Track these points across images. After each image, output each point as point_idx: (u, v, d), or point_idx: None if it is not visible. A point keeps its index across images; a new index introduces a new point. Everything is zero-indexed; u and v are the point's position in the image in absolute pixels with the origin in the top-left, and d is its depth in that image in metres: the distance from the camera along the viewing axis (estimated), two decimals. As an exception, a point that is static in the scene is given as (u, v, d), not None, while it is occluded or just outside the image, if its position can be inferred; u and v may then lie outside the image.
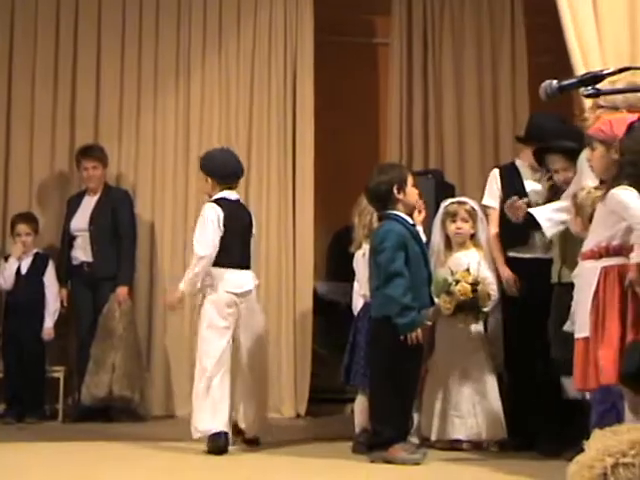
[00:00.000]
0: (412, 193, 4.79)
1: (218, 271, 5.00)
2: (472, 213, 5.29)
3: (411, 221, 4.76)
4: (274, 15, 7.13)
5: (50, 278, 6.50)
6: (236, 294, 5.01)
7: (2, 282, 6.42)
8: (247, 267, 5.18)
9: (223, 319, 4.95)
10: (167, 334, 6.84)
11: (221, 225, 5.01)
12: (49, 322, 6.42)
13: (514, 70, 7.28)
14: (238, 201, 5.30)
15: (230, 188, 5.20)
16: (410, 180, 4.77)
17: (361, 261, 5.12)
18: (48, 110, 6.99)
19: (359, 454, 4.80)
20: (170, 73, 7.08)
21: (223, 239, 5.01)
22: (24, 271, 6.45)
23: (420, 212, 4.96)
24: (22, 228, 6.46)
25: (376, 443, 4.61)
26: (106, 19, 7.08)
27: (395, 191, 4.69)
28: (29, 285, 6.42)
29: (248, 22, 7.12)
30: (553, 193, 4.98)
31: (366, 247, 4.98)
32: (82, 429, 5.94)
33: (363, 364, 4.94)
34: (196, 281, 4.96)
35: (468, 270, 5.00)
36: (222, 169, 5.22)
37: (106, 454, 4.87)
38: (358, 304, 5.22)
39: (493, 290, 5.07)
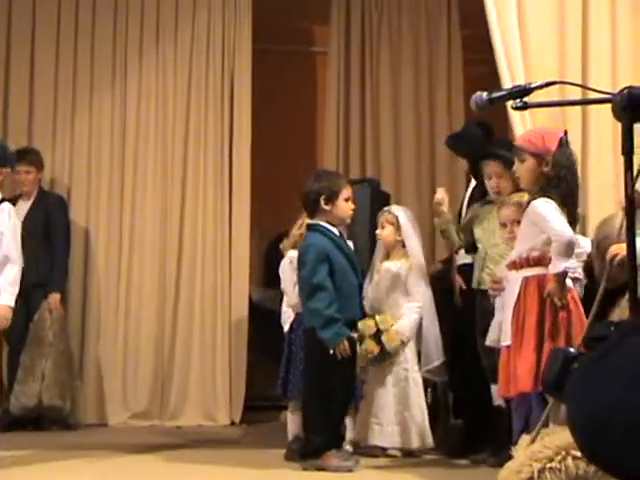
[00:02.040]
0: (343, 207, 4.72)
1: None
2: (393, 220, 5.21)
3: (337, 232, 4.72)
4: (212, 19, 7.06)
5: None
6: None
7: None
8: None
9: None
10: (100, 342, 6.75)
11: None
12: None
13: (450, 81, 7.35)
14: None
15: None
16: (345, 193, 4.71)
17: (287, 268, 5.11)
18: None
19: (292, 461, 4.78)
20: (106, 73, 6.97)
21: None
22: None
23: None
24: None
25: (308, 451, 4.62)
26: (40, 17, 6.94)
27: (322, 201, 4.66)
28: None
29: (186, 24, 7.04)
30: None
31: (293, 255, 4.99)
32: (11, 439, 5.73)
33: (300, 376, 4.91)
34: None
35: (373, 317, 4.99)
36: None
37: (33, 463, 4.78)
38: (287, 315, 5.23)
39: (401, 332, 5.03)
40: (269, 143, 7.26)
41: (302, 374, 4.88)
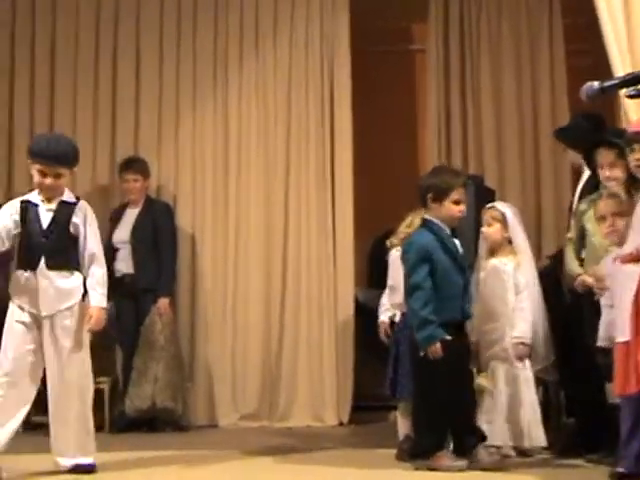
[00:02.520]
0: (450, 208, 4.63)
1: None
2: (499, 217, 5.11)
3: (447, 230, 4.64)
4: (310, 23, 7.09)
5: None
6: None
7: None
8: None
9: None
10: (209, 344, 6.83)
11: None
12: None
13: (553, 73, 7.16)
14: None
15: None
16: (455, 195, 4.61)
17: (398, 263, 4.99)
18: (89, 123, 7.03)
19: (403, 462, 4.75)
20: (208, 82, 7.07)
21: None
22: None
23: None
24: None
25: (418, 451, 4.58)
26: (144, 30, 7.10)
27: (429, 199, 4.62)
28: None
29: (284, 27, 7.10)
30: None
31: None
32: (127, 439, 5.96)
33: (409, 377, 4.84)
34: None
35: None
36: None
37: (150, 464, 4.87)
38: (384, 308, 5.25)
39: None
40: (369, 142, 7.26)
41: (410, 373, 4.83)
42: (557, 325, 5.14)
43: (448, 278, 4.56)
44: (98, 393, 6.30)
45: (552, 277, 5.40)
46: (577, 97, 6.60)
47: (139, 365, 6.33)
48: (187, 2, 7.12)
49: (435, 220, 4.62)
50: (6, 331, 4.52)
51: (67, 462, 4.52)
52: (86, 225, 4.61)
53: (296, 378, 6.80)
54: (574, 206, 5.17)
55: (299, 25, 7.09)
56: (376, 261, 7.29)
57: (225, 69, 7.09)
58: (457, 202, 4.63)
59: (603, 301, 4.26)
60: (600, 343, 4.25)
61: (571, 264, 4.83)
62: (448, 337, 4.53)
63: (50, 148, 4.49)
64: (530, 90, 7.17)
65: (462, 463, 4.49)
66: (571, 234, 4.92)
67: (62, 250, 4.52)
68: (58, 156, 4.49)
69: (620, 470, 3.94)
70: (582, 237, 4.79)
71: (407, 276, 4.59)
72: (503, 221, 5.09)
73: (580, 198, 5.10)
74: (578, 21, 7.00)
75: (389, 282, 5.24)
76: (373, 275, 7.38)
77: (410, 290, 4.55)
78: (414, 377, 4.67)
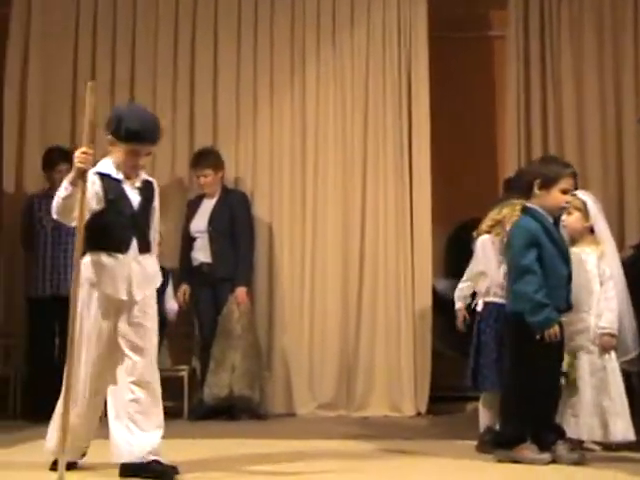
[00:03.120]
0: (556, 197, 4.53)
1: None
2: (580, 206, 4.95)
3: (550, 219, 4.54)
4: (387, 11, 7.08)
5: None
6: None
7: None
8: None
9: None
10: (287, 334, 6.86)
11: None
12: None
13: (637, 63, 7.04)
14: None
15: None
16: (563, 183, 4.51)
17: (490, 248, 4.98)
18: (168, 116, 7.04)
19: (484, 453, 4.68)
20: (285, 71, 7.12)
21: None
22: None
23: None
24: None
25: (501, 441, 4.50)
26: (222, 22, 7.15)
27: (536, 186, 4.52)
28: None
29: (361, 19, 7.11)
30: None
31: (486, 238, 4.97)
32: (205, 427, 5.99)
33: (491, 367, 4.82)
34: None
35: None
36: None
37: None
38: (462, 293, 5.24)
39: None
40: (447, 131, 7.19)
41: (495, 364, 4.78)
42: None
43: (553, 267, 4.47)
44: (177, 381, 6.49)
45: (637, 267, 5.30)
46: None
47: (217, 354, 6.36)
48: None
49: (538, 208, 4.53)
50: (88, 322, 4.13)
51: None
52: (156, 206, 4.38)
53: (373, 368, 6.80)
54: None
55: (376, 13, 7.08)
56: (454, 251, 7.27)
57: (302, 57, 7.11)
58: (565, 191, 4.55)
59: None
60: None
61: None
62: (563, 319, 4.47)
63: (146, 128, 4.17)
64: (613, 75, 7.07)
65: (546, 456, 4.40)
66: None
67: (148, 232, 4.28)
68: (154, 136, 4.23)
69: None
70: None
71: (515, 260, 4.49)
72: (584, 210, 4.96)
73: None
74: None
75: (480, 268, 5.13)
76: (451, 265, 7.33)
77: (519, 273, 4.44)
78: (510, 364, 4.55)
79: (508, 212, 4.90)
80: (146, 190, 4.29)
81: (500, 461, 4.43)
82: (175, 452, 4.29)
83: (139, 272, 4.18)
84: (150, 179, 4.39)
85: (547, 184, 4.50)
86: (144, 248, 4.22)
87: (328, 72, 7.09)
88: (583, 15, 7.13)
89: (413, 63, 7.03)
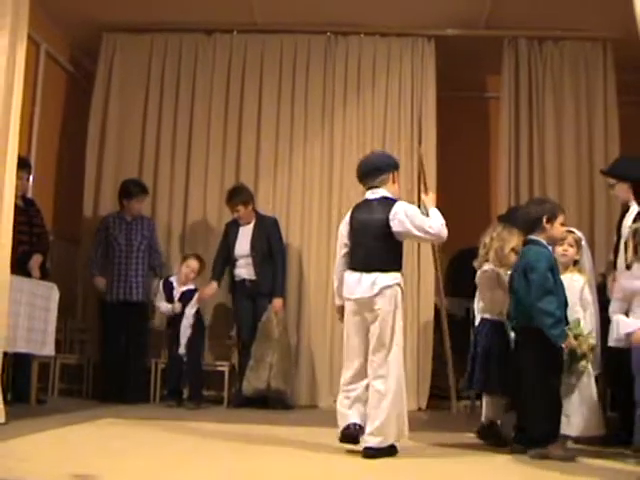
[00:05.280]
0: (559, 230, 4.59)
1: None
2: (578, 241, 5.10)
3: (551, 250, 4.60)
4: (403, 73, 7.26)
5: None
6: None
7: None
8: None
9: None
10: (312, 337, 6.99)
11: None
12: None
13: (606, 120, 7.20)
14: None
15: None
16: (561, 218, 4.59)
17: (489, 276, 4.97)
18: (218, 160, 7.26)
19: (482, 440, 4.75)
20: (316, 122, 7.27)
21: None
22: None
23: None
24: (192, 264, 6.65)
25: (531, 441, 4.35)
26: (266, 82, 7.34)
27: (544, 220, 4.53)
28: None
29: (381, 81, 7.27)
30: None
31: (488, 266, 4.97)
32: (242, 414, 6.10)
33: (481, 371, 4.85)
34: None
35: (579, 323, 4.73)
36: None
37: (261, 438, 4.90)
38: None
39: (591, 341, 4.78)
40: (452, 171, 7.33)
41: (481, 369, 4.80)
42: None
43: (560, 288, 4.46)
44: (219, 375, 6.67)
45: (603, 293, 5.42)
46: (626, 141, 6.70)
47: (257, 354, 6.47)
48: (301, 59, 7.33)
49: (541, 240, 4.55)
50: None
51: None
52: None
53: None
54: (623, 232, 5.12)
55: (393, 76, 7.26)
56: (454, 274, 7.41)
57: (332, 113, 7.27)
58: (563, 224, 4.63)
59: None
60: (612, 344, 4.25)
61: None
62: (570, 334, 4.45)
63: None
64: (587, 134, 7.21)
65: (574, 453, 4.31)
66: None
67: None
68: None
69: None
70: None
71: (539, 282, 4.37)
72: (578, 243, 5.11)
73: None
74: (630, 77, 7.02)
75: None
76: (450, 285, 7.49)
77: (543, 293, 4.34)
78: (534, 373, 4.38)
79: (499, 244, 4.95)
80: None
81: (532, 458, 4.26)
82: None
83: None
84: None
85: (552, 218, 4.54)
86: None
87: (352, 125, 7.24)
88: (563, 81, 7.28)
89: (423, 119, 7.19)
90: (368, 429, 4.24)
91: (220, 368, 6.74)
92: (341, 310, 4.56)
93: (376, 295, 4.28)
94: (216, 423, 5.46)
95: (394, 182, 4.54)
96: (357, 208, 4.56)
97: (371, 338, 4.31)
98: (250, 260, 6.73)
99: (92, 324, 7.02)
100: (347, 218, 4.57)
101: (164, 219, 7.23)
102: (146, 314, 6.84)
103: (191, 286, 6.67)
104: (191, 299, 6.59)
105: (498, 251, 4.97)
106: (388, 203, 4.39)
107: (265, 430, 5.18)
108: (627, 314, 4.39)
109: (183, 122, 7.33)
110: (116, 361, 6.57)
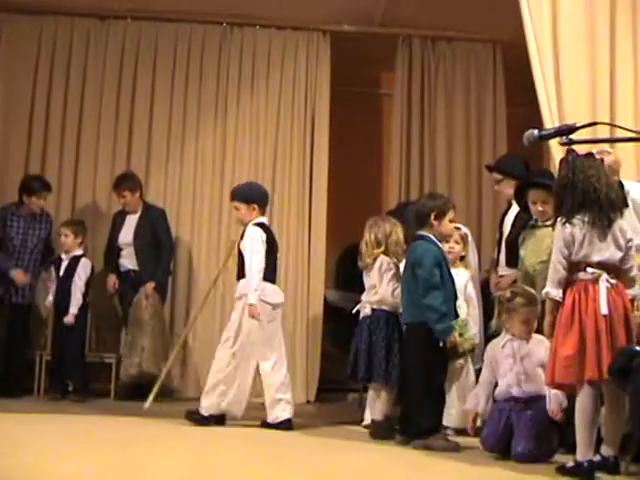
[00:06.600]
0: (447, 226, 4.48)
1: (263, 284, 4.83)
2: (464, 238, 5.06)
3: (440, 245, 4.48)
4: (298, 67, 7.00)
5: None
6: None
7: None
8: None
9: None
10: (202, 333, 6.61)
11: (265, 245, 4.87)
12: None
13: (495, 119, 7.15)
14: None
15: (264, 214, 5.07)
16: (451, 214, 4.47)
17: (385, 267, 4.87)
18: (109, 150, 6.84)
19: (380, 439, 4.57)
20: (209, 113, 6.92)
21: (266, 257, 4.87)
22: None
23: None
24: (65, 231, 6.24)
25: (416, 433, 4.28)
26: (159, 70, 6.94)
27: (432, 216, 4.42)
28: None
29: (276, 71, 6.98)
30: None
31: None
32: (127, 405, 5.76)
33: (381, 362, 4.71)
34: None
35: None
36: (265, 197, 5.13)
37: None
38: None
39: (473, 339, 4.80)
40: (343, 168, 7.15)
41: (384, 360, 4.69)
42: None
43: (448, 284, 4.40)
44: (106, 367, 6.33)
45: (486, 287, 5.35)
46: (514, 139, 6.69)
47: (128, 339, 6.19)
48: (196, 49, 6.98)
49: (431, 235, 4.44)
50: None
51: None
52: None
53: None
54: (504, 230, 5.10)
55: (288, 68, 6.98)
56: (343, 267, 7.28)
57: (225, 102, 6.94)
58: (452, 221, 4.53)
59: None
60: None
61: None
62: (456, 331, 4.37)
63: None
64: (477, 132, 7.14)
65: (456, 443, 4.25)
66: None
67: None
68: None
69: None
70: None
71: (425, 277, 4.31)
72: (465, 240, 5.06)
73: (512, 226, 5.00)
74: (517, 79, 6.96)
75: (373, 282, 4.94)
76: (339, 279, 7.37)
77: (428, 289, 4.28)
78: (418, 367, 4.34)
79: (396, 237, 4.85)
80: None
81: (415, 449, 4.21)
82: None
83: None
84: None
85: (440, 215, 4.43)
86: None
87: (245, 117, 6.93)
88: (455, 80, 7.18)
89: (317, 110, 6.95)
90: None
91: (107, 360, 6.36)
92: None
93: None
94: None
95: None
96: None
97: None
98: (132, 250, 6.35)
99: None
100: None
101: (51, 209, 6.63)
102: (29, 314, 6.36)
103: (78, 252, 6.25)
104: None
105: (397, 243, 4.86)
106: None
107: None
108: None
109: (72, 109, 6.80)
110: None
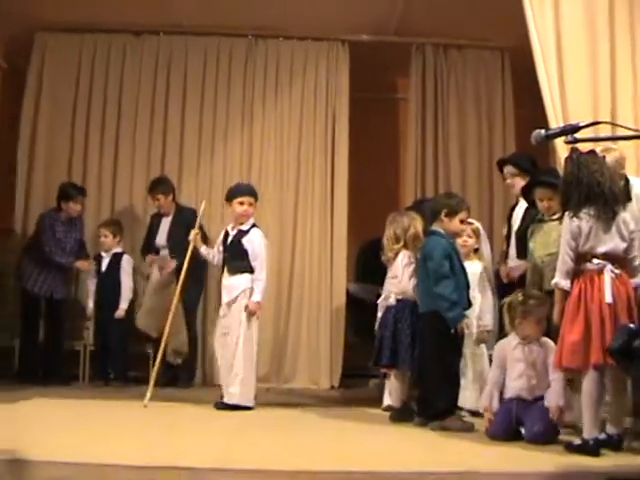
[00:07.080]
0: (456, 225, 4.53)
1: None
2: (476, 232, 5.16)
3: (451, 239, 4.55)
4: (319, 75, 7.17)
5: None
6: None
7: None
8: None
9: None
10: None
11: None
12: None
13: (504, 121, 7.27)
14: None
15: None
16: (462, 215, 4.53)
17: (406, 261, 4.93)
18: (144, 157, 7.05)
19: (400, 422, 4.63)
20: (237, 120, 7.11)
21: None
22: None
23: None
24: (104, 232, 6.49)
25: (433, 414, 4.34)
26: (190, 82, 7.15)
27: (443, 214, 4.50)
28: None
29: (298, 80, 7.15)
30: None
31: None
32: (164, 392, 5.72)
33: (407, 350, 4.75)
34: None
35: None
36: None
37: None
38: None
39: (486, 326, 4.94)
40: (362, 169, 7.27)
41: (409, 347, 4.73)
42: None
43: (460, 275, 4.44)
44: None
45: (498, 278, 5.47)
46: (521, 140, 6.79)
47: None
48: (223, 61, 7.15)
49: (441, 230, 4.52)
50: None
51: None
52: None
53: (299, 351, 6.84)
54: (513, 223, 5.22)
55: (310, 76, 7.14)
56: (364, 261, 7.39)
57: (251, 111, 7.11)
58: (462, 221, 4.58)
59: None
60: None
61: None
62: (467, 319, 4.46)
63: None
64: (487, 133, 7.26)
65: (471, 424, 4.29)
66: None
67: None
68: None
69: None
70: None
71: (435, 268, 4.37)
72: (477, 234, 5.16)
73: (522, 220, 5.12)
74: (524, 83, 7.08)
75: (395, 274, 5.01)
76: (361, 272, 7.47)
77: (438, 278, 4.33)
78: (432, 353, 4.38)
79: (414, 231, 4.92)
80: None
81: (433, 430, 4.25)
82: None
83: None
84: None
85: (451, 213, 4.50)
86: None
87: (270, 124, 7.10)
88: (466, 85, 7.31)
89: (337, 115, 7.10)
90: None
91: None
92: None
93: None
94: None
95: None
96: None
97: None
98: (167, 251, 6.52)
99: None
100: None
101: (92, 212, 6.93)
102: (65, 308, 6.57)
103: (118, 249, 6.50)
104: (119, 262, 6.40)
105: (415, 237, 4.93)
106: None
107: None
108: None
109: (110, 119, 7.05)
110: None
